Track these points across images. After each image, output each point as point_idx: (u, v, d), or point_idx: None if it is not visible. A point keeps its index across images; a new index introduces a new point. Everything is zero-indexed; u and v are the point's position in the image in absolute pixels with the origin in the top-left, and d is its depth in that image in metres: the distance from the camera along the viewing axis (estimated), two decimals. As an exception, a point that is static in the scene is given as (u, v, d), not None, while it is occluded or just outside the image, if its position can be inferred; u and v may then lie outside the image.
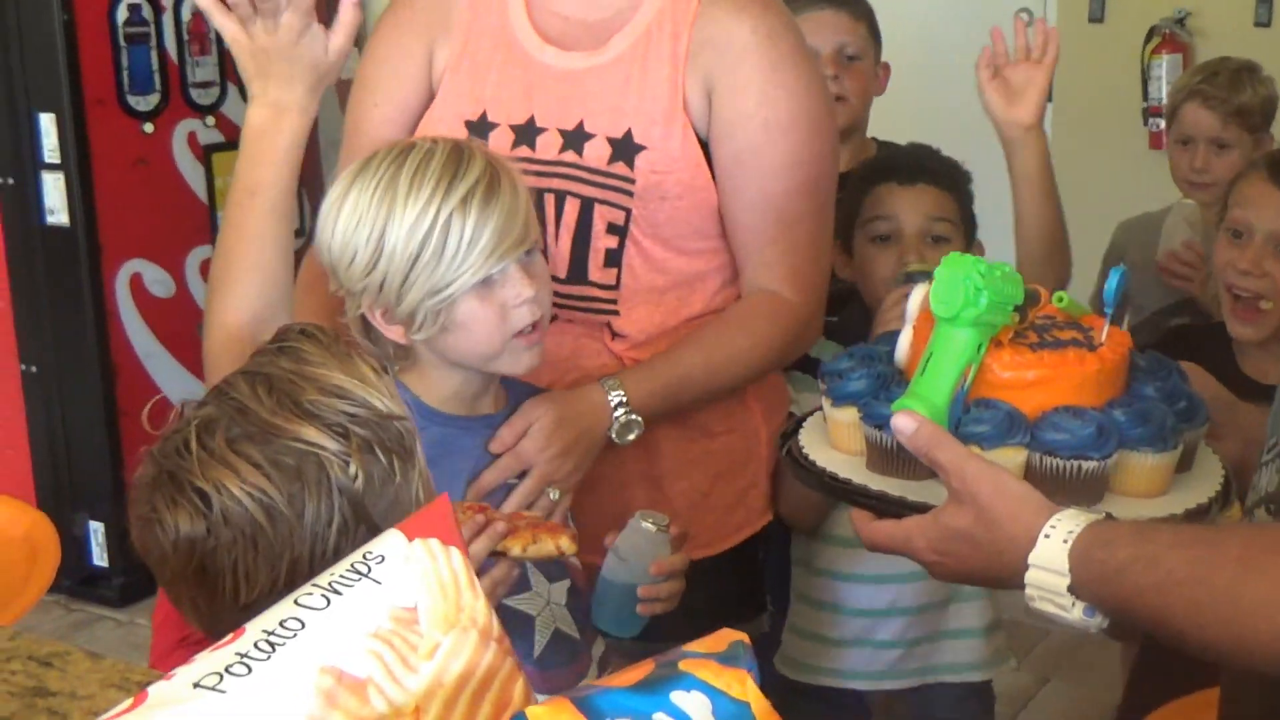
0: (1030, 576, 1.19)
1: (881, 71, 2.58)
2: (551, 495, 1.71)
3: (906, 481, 1.36)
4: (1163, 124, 3.30)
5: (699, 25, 1.80)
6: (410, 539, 0.87)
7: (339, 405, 1.12)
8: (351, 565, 0.85)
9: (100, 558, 3.78)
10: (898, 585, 2.05)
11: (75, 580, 3.73)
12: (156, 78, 3.70)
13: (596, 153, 1.79)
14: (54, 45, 3.52)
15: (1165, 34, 4.16)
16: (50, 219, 3.63)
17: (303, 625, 0.79)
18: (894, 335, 1.49)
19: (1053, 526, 1.19)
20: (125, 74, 3.64)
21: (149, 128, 3.71)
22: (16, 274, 3.71)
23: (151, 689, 0.75)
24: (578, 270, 1.83)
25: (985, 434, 1.32)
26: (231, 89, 3.85)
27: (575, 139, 1.81)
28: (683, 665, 0.82)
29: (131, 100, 3.67)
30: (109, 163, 3.63)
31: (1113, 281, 1.41)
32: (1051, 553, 1.18)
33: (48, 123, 3.58)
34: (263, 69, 1.54)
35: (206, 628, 1.14)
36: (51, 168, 3.60)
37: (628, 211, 1.81)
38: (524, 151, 1.81)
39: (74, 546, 3.67)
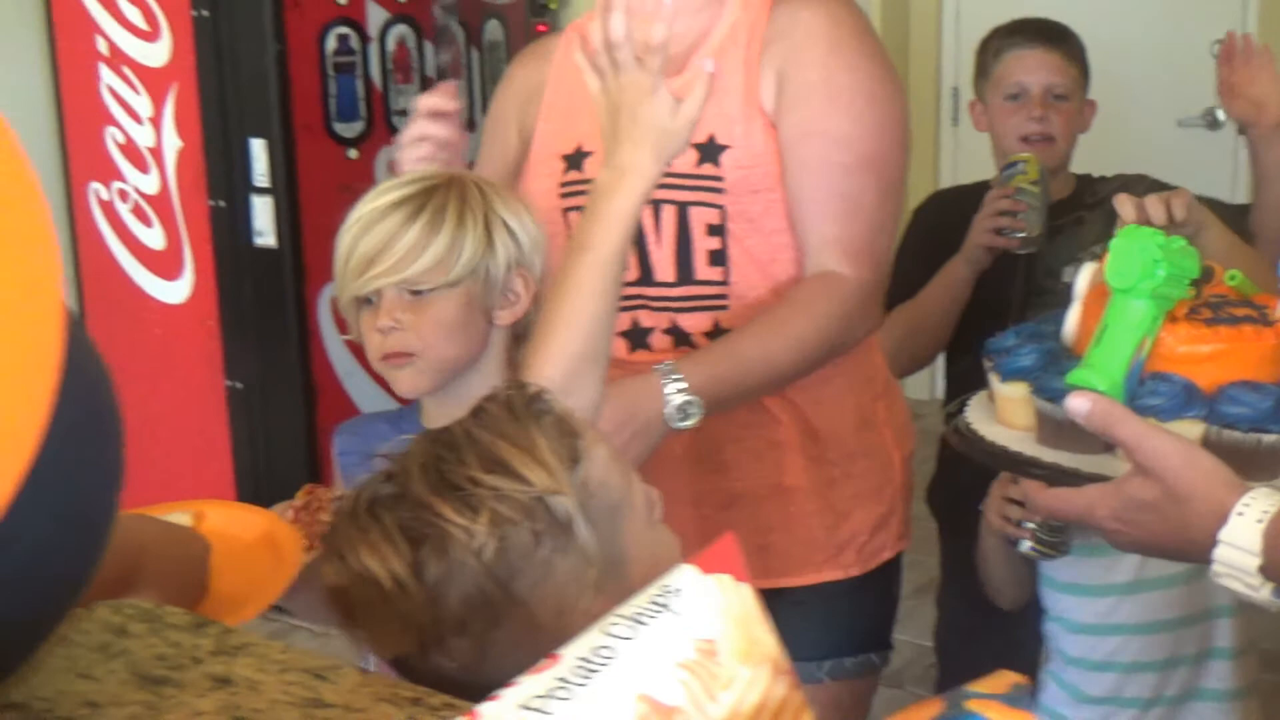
0: (1219, 553, 1.18)
1: (1087, 108, 2.57)
2: None
3: (1079, 455, 1.37)
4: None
5: (770, 24, 1.88)
6: (704, 573, 0.90)
7: (487, 479, 1.11)
8: (651, 599, 0.88)
9: (299, 570, 3.89)
10: (1118, 674, 1.95)
11: (274, 590, 3.84)
12: (361, 105, 3.81)
13: (685, 159, 1.85)
14: (266, 74, 3.64)
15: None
16: (258, 241, 3.75)
17: (615, 654, 0.83)
18: (1060, 314, 1.50)
19: (1246, 505, 1.18)
20: (332, 101, 3.75)
21: (353, 154, 3.81)
22: (225, 293, 3.84)
23: (481, 709, 0.79)
24: (684, 272, 1.90)
25: (1161, 407, 1.32)
26: (432, 117, 3.95)
27: None
28: (968, 705, 0.84)
29: (338, 127, 3.77)
30: (315, 187, 3.74)
31: None
32: (1243, 532, 1.17)
33: (259, 148, 3.70)
34: (614, 129, 1.58)
35: None
36: (261, 191, 3.72)
37: (722, 209, 1.87)
38: None
39: (273, 559, 3.77)
